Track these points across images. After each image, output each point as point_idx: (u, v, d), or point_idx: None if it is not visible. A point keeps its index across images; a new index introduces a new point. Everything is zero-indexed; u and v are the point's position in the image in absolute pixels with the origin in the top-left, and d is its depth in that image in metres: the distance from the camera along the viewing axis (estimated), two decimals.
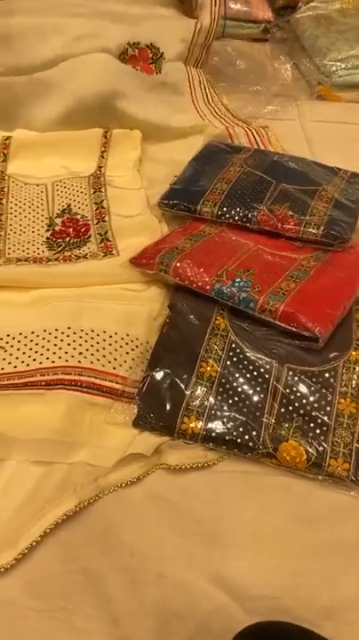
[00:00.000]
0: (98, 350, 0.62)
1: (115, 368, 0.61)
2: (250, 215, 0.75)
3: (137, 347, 0.65)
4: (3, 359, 0.61)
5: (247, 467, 0.55)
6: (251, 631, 0.41)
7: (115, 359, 0.62)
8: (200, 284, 0.66)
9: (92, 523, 0.51)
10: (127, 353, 0.64)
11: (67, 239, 0.79)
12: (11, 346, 0.63)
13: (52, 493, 0.52)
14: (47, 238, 0.79)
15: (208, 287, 0.65)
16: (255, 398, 0.57)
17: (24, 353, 0.62)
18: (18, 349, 0.62)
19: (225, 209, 0.76)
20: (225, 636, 0.45)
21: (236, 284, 0.64)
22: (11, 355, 0.62)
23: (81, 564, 0.49)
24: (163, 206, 0.80)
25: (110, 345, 0.64)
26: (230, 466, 0.55)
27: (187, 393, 0.58)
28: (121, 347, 0.64)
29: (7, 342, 0.63)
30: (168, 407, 0.57)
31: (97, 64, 0.94)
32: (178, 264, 0.67)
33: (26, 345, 0.63)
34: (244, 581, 0.48)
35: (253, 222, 0.75)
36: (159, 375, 0.60)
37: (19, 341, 0.63)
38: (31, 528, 0.50)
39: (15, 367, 0.61)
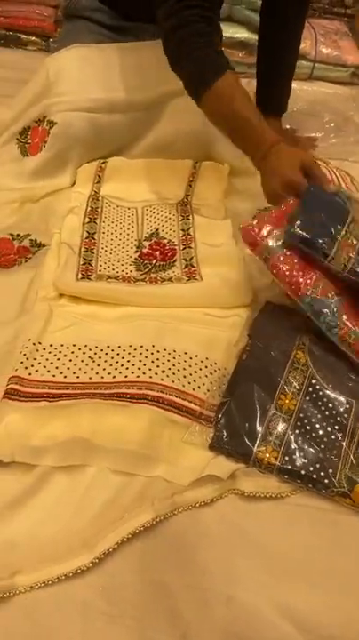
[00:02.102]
0: (179, 370, 0.65)
1: (194, 389, 0.64)
2: None
3: (215, 371, 0.67)
4: (92, 369, 0.65)
5: (320, 503, 0.56)
6: None
7: (195, 381, 0.65)
8: (294, 287, 0.67)
9: (167, 537, 0.53)
10: (206, 376, 0.66)
11: (154, 261, 0.82)
12: (99, 357, 0.66)
13: (131, 503, 0.54)
14: (135, 259, 0.83)
15: (300, 294, 0.66)
16: (333, 437, 0.58)
17: (111, 365, 0.65)
18: (105, 361, 0.66)
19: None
20: None
21: (327, 304, 0.65)
22: (98, 365, 0.65)
23: (154, 576, 0.51)
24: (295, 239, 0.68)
25: (190, 366, 0.66)
26: (303, 500, 0.56)
27: (265, 423, 0.59)
28: (200, 369, 0.66)
29: (95, 353, 0.67)
30: (245, 435, 0.59)
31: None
32: (281, 257, 0.68)
33: (112, 358, 0.66)
34: (312, 616, 0.49)
35: None
36: (237, 402, 0.61)
37: (106, 354, 0.67)
38: (108, 535, 0.52)
39: (102, 378, 0.64)
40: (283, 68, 1.08)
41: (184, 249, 0.84)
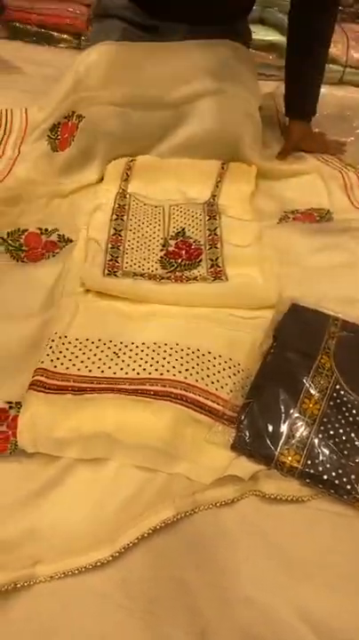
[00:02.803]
0: (202, 370, 0.65)
1: (217, 389, 0.64)
2: None
3: (239, 372, 0.67)
4: (116, 364, 0.65)
5: (341, 509, 0.55)
6: None
7: (218, 381, 0.65)
8: None
9: (187, 535, 0.53)
10: (229, 377, 0.66)
11: (180, 260, 0.83)
12: (124, 353, 0.67)
13: (152, 499, 0.54)
14: (161, 257, 0.83)
15: None
16: (356, 443, 0.58)
17: (135, 361, 0.66)
18: (129, 357, 0.66)
19: None
20: None
21: None
22: (123, 361, 0.66)
23: (173, 572, 0.51)
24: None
25: (214, 366, 0.66)
26: (324, 504, 0.56)
27: (288, 426, 0.59)
28: (224, 369, 0.66)
29: (120, 349, 0.67)
30: (267, 437, 0.59)
31: (238, 106, 0.98)
32: None
33: (137, 354, 0.66)
34: (330, 620, 0.48)
35: None
36: (261, 404, 0.61)
37: (131, 350, 0.67)
38: (129, 530, 0.52)
39: (126, 374, 0.64)
40: (310, 70, 1.07)
41: (210, 249, 0.84)
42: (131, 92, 0.95)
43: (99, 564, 0.51)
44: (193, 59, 0.99)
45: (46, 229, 0.86)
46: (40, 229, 0.86)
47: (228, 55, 1.01)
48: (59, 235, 0.85)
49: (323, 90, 1.30)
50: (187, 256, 0.84)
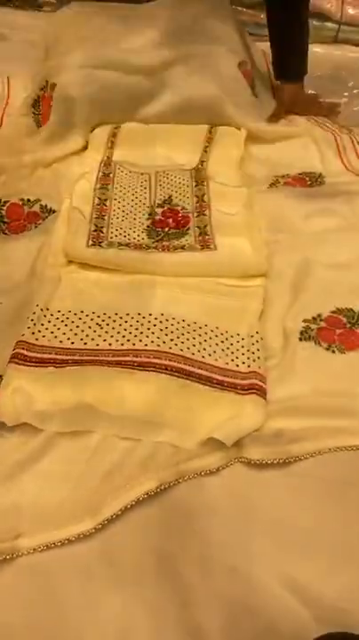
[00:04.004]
0: (188, 339, 0.64)
1: (203, 357, 0.62)
2: None
3: (227, 339, 0.65)
4: (99, 336, 0.64)
5: (328, 473, 0.54)
6: None
7: (205, 349, 0.63)
8: None
9: (171, 505, 0.52)
10: (216, 344, 0.64)
11: (167, 229, 0.80)
12: (107, 324, 0.65)
13: (136, 470, 0.53)
14: (147, 226, 0.81)
15: None
16: None
17: (119, 332, 0.64)
18: (113, 328, 0.65)
19: None
20: None
21: None
22: (106, 332, 0.64)
23: (156, 543, 0.50)
24: None
25: (200, 335, 0.65)
26: (310, 470, 0.54)
27: None
28: (210, 338, 0.65)
29: (103, 320, 0.66)
30: None
31: (211, 66, 0.94)
32: None
33: (120, 325, 0.65)
34: (317, 589, 0.48)
35: None
36: None
37: (114, 321, 0.66)
38: (112, 502, 0.51)
39: (110, 345, 0.63)
40: (293, 26, 1.01)
41: (198, 216, 0.82)
42: (98, 55, 0.92)
43: (81, 536, 0.50)
44: (162, 22, 0.95)
45: (28, 200, 0.83)
46: (22, 200, 0.83)
47: (201, 12, 0.97)
48: (41, 205, 0.83)
49: (317, 49, 1.25)
50: (174, 224, 0.81)
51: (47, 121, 0.96)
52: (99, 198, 0.84)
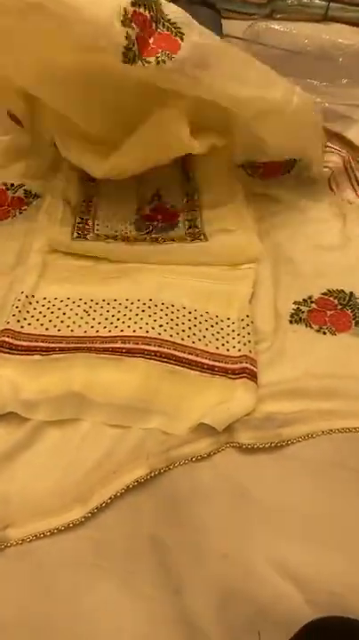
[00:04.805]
0: (177, 325, 0.62)
1: (194, 342, 0.61)
2: None
3: (217, 323, 0.64)
4: (86, 323, 0.63)
5: (321, 456, 0.54)
6: (318, 626, 0.40)
7: (194, 334, 0.62)
8: None
9: (161, 492, 0.51)
10: (206, 329, 0.63)
11: (156, 223, 0.79)
12: (94, 310, 0.64)
13: (125, 457, 0.53)
14: (135, 219, 0.79)
15: None
16: None
17: (106, 319, 0.63)
18: (100, 315, 0.63)
19: None
20: (285, 624, 0.44)
21: None
22: (94, 319, 0.63)
23: (147, 530, 0.49)
24: None
25: (189, 320, 0.63)
26: (303, 452, 0.54)
27: None
28: (200, 323, 0.64)
29: (90, 307, 0.64)
30: None
31: None
32: None
33: (108, 311, 0.64)
34: (311, 573, 0.47)
35: None
36: None
37: (101, 307, 0.64)
38: (101, 490, 0.51)
39: (97, 332, 0.62)
40: None
41: (187, 211, 0.80)
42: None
43: (71, 525, 0.49)
44: None
45: (12, 185, 0.81)
46: (5, 185, 0.81)
47: None
48: (25, 190, 0.81)
49: (305, 29, 1.23)
50: (162, 218, 0.79)
51: None
52: (85, 187, 0.82)
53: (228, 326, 0.64)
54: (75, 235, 0.75)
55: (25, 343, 0.60)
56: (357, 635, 0.40)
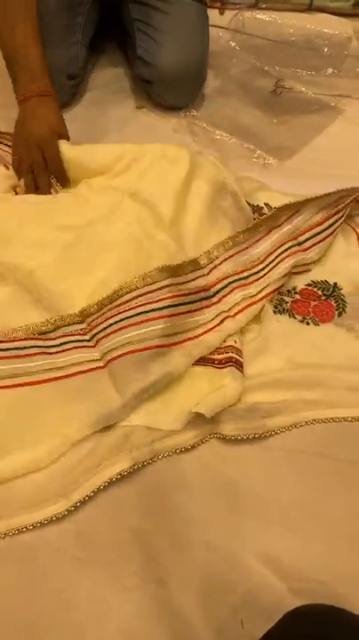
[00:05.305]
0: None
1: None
2: None
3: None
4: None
5: (304, 446, 0.54)
6: (300, 613, 0.40)
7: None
8: None
9: (145, 484, 0.51)
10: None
11: None
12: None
13: (109, 451, 0.52)
14: None
15: None
16: None
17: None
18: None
19: None
20: (269, 612, 0.44)
21: None
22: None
23: (130, 522, 0.49)
24: None
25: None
26: (286, 443, 0.54)
27: None
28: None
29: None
30: None
31: None
32: None
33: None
34: (294, 562, 0.47)
35: None
36: None
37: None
38: (85, 483, 0.51)
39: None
40: None
41: None
42: None
43: (54, 518, 0.49)
44: None
45: None
46: None
47: None
48: None
49: (290, 19, 1.23)
50: None
51: None
52: None
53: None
54: None
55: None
56: (338, 622, 0.40)
